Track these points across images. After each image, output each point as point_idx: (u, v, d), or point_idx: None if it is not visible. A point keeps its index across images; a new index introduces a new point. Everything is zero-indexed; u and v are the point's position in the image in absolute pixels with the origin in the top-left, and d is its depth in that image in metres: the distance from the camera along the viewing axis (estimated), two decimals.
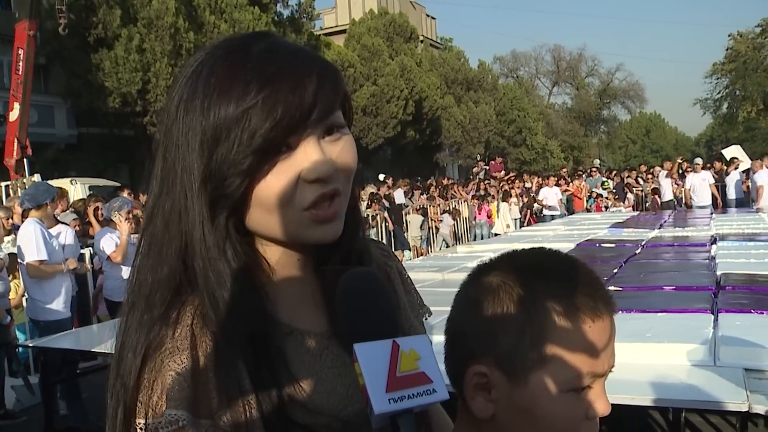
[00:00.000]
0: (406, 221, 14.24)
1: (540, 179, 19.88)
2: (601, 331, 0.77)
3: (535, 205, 17.12)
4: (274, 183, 0.75)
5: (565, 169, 23.05)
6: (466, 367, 0.79)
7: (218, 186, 0.75)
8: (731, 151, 16.32)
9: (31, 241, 5.17)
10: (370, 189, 15.17)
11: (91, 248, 7.31)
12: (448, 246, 13.87)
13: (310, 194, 0.77)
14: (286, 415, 0.75)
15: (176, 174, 0.78)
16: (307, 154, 0.76)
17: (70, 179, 13.38)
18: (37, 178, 11.59)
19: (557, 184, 17.41)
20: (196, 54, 0.81)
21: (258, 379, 0.74)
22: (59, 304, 5.33)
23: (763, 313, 2.80)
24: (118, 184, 12.33)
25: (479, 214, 15.57)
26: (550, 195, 16.70)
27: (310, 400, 0.77)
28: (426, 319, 1.02)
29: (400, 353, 0.67)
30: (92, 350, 3.85)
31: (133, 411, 0.73)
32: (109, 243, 6.09)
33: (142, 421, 0.72)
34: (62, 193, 7.47)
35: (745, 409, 1.92)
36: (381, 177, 17.76)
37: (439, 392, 0.68)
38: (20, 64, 12.30)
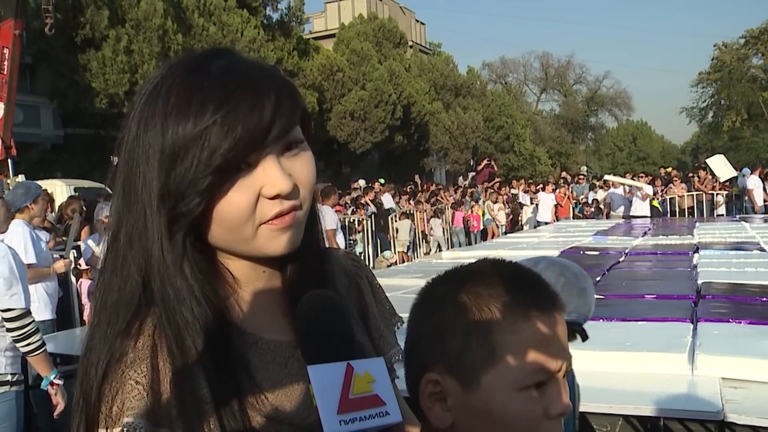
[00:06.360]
0: (394, 227, 14.20)
1: (527, 185, 19.89)
2: (545, 326, 0.78)
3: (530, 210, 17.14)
4: (234, 200, 0.76)
5: (565, 174, 23.08)
6: (421, 378, 0.80)
7: (177, 204, 0.76)
8: (715, 161, 16.36)
9: (20, 244, 5.10)
10: (356, 193, 15.15)
11: (75, 251, 7.24)
12: (440, 249, 13.86)
13: (270, 210, 0.77)
14: (248, 424, 0.76)
15: (137, 191, 0.78)
16: (267, 171, 0.76)
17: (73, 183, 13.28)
18: (21, 178, 11.50)
19: (553, 190, 17.38)
20: (158, 70, 0.82)
21: (219, 389, 0.75)
22: (44, 306, 5.28)
23: (741, 323, 2.82)
24: (103, 186, 12.24)
25: (454, 221, 15.61)
26: (546, 201, 16.70)
27: (274, 408, 0.78)
28: (398, 328, 1.02)
29: (353, 376, 0.68)
30: (76, 354, 3.82)
31: (94, 424, 0.74)
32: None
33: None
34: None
35: (720, 418, 1.94)
36: (362, 182, 17.75)
37: (392, 415, 0.68)
38: (5, 63, 12.22)
